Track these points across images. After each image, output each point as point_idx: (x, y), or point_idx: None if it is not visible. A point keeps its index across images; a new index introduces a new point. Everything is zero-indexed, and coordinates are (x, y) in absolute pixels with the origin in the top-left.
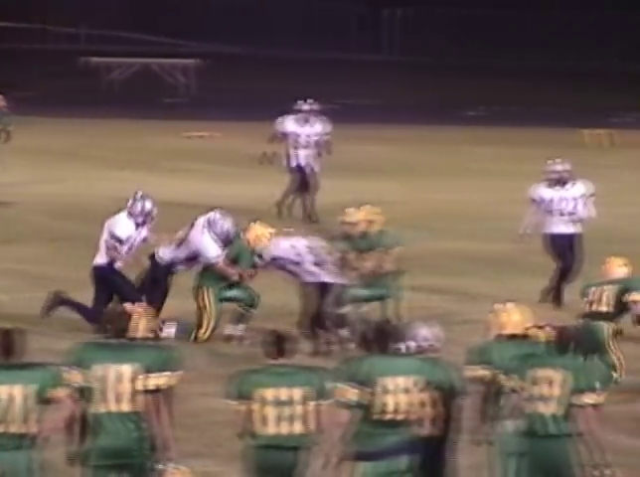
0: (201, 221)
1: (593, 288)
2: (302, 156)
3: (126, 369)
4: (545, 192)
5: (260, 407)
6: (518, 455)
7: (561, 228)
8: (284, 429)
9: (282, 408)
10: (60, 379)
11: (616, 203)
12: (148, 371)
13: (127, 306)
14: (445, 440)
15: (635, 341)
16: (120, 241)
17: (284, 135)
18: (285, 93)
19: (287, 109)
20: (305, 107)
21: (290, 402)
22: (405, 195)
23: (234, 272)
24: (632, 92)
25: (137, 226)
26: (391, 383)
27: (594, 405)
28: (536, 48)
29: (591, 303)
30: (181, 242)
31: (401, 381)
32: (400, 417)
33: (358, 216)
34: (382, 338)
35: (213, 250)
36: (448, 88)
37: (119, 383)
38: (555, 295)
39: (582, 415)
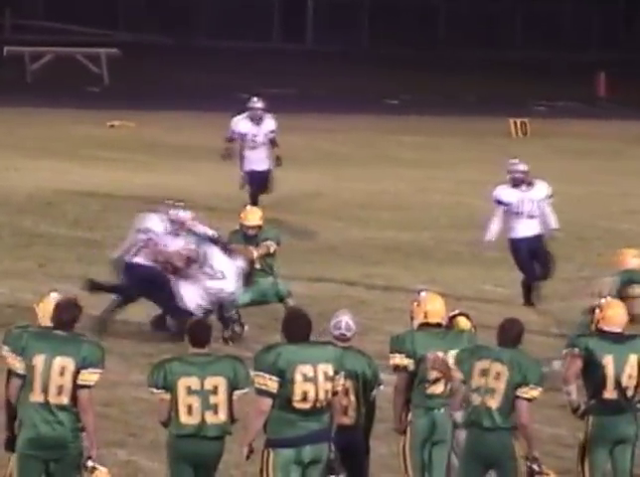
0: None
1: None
2: (257, 158)
3: (68, 362)
4: (510, 194)
5: (185, 396)
6: (438, 444)
7: (526, 231)
8: (209, 419)
9: (207, 397)
10: None
11: None
12: (87, 366)
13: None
14: (360, 428)
15: (547, 334)
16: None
17: (240, 136)
18: (203, 83)
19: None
20: (258, 105)
21: (215, 392)
22: (325, 185)
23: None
24: (543, 81)
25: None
26: (309, 370)
27: (529, 400)
28: (456, 37)
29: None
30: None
31: (320, 368)
32: (318, 405)
33: (255, 219)
34: (297, 326)
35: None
36: (367, 77)
37: (61, 375)
38: (526, 295)
39: (519, 409)
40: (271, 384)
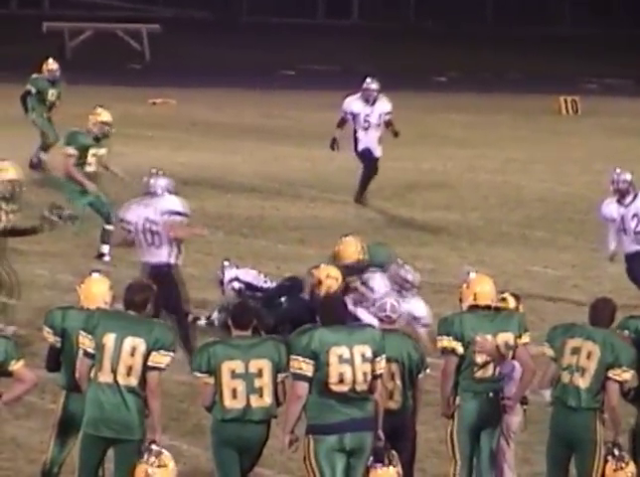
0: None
1: None
2: (370, 139)
3: (140, 342)
4: (615, 209)
5: (229, 380)
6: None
7: (633, 246)
8: (254, 402)
9: (251, 381)
10: (17, 352)
11: (585, 171)
12: (158, 347)
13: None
14: (406, 413)
15: None
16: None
17: (353, 116)
18: (245, 60)
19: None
20: (372, 86)
21: (259, 375)
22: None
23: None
24: (596, 59)
25: None
26: (345, 352)
27: (620, 382)
28: (504, 14)
29: None
30: None
31: (357, 350)
32: (357, 388)
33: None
34: (332, 309)
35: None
36: (413, 54)
37: (131, 355)
38: None
39: (609, 391)
40: (306, 366)
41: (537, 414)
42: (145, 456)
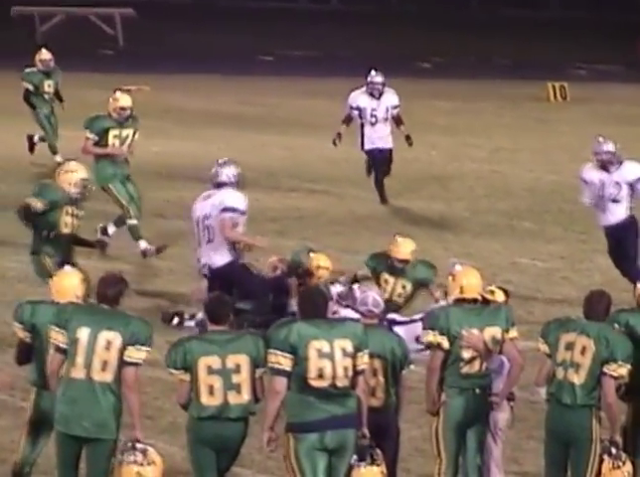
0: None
1: None
2: (378, 135)
3: (115, 336)
4: (597, 174)
5: (205, 376)
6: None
7: (609, 218)
8: (231, 399)
9: (229, 377)
10: None
11: (575, 159)
12: (134, 342)
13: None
14: (389, 410)
15: None
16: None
17: (359, 111)
18: (223, 45)
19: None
20: (377, 79)
21: (237, 370)
22: (352, 153)
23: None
24: (586, 43)
25: None
26: (325, 346)
27: (616, 378)
28: None
29: None
30: None
31: (337, 344)
32: (338, 384)
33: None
34: (312, 303)
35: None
36: (396, 39)
37: (106, 350)
38: None
39: (605, 387)
40: (284, 361)
41: (524, 411)
42: (131, 456)
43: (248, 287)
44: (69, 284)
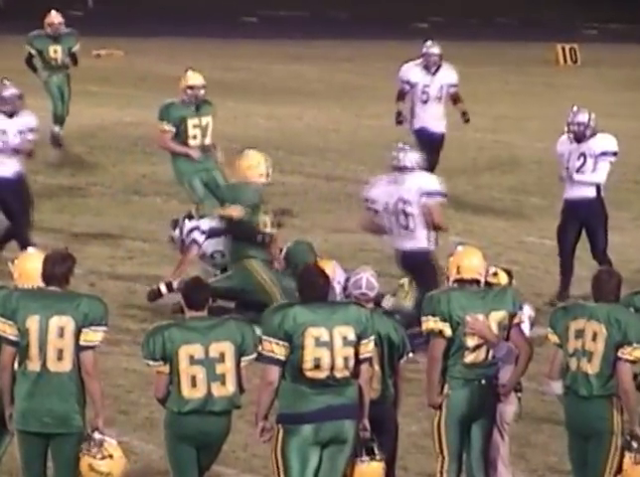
0: None
1: None
2: (430, 114)
3: (67, 321)
4: (567, 146)
5: (187, 367)
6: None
7: (571, 192)
8: (215, 391)
9: (212, 366)
10: None
11: None
12: (88, 323)
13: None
14: (387, 403)
15: None
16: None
17: (411, 86)
18: (202, 6)
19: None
20: (433, 50)
21: (221, 359)
22: (344, 123)
23: None
24: (598, 1)
25: None
26: (323, 333)
27: (633, 362)
28: None
29: None
30: None
31: (337, 331)
32: (337, 375)
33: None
34: (312, 284)
35: None
36: None
37: (60, 337)
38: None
39: (620, 373)
40: (278, 349)
41: (532, 403)
42: (86, 447)
43: (428, 282)
44: (32, 267)
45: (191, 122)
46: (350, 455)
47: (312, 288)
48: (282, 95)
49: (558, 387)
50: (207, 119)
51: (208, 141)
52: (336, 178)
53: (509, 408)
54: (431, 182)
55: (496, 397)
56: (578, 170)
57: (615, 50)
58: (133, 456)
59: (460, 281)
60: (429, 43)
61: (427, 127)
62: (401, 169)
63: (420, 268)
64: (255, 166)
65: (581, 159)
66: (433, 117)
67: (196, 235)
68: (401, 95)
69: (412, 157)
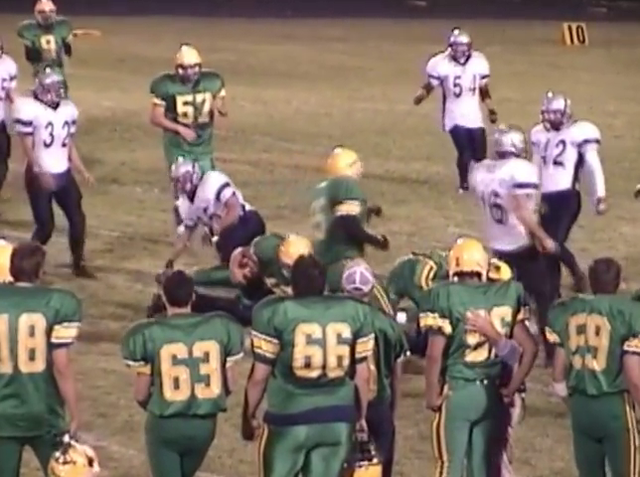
0: None
1: None
2: (463, 110)
3: (38, 318)
4: (544, 134)
5: (170, 367)
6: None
7: (549, 184)
8: (199, 393)
9: (196, 367)
10: None
11: (594, 112)
12: (61, 320)
13: None
14: (383, 405)
15: None
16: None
17: (440, 80)
18: None
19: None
20: (461, 39)
21: (206, 359)
22: (335, 106)
23: None
24: None
25: None
26: (316, 330)
27: (638, 354)
28: None
29: None
30: None
31: (331, 328)
32: (330, 374)
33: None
34: (306, 277)
35: None
36: None
37: (31, 336)
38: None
39: (628, 366)
40: (267, 346)
41: (537, 405)
42: (54, 449)
43: (534, 284)
44: (2, 261)
45: (181, 99)
46: (345, 458)
47: (307, 280)
48: (270, 78)
49: (562, 388)
50: (203, 96)
51: (203, 119)
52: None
53: (512, 411)
54: (525, 172)
55: (499, 399)
56: (557, 159)
57: (625, 29)
58: (112, 462)
59: (460, 274)
60: (457, 32)
61: (463, 124)
62: (502, 154)
63: (524, 269)
64: (354, 163)
65: (560, 147)
66: (468, 111)
67: (227, 192)
68: (428, 88)
69: (514, 138)
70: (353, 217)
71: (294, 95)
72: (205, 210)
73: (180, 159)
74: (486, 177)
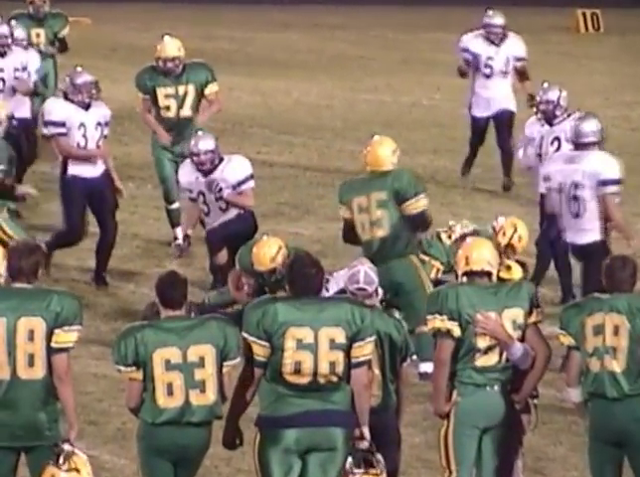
0: None
1: None
2: (494, 92)
3: (37, 322)
4: (537, 128)
5: (163, 373)
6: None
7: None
8: (194, 399)
9: (191, 372)
10: None
11: (610, 103)
12: (61, 323)
13: None
14: (389, 411)
15: None
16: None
17: (473, 58)
18: None
19: None
20: (495, 21)
21: (201, 364)
22: (337, 97)
23: None
24: None
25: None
26: (307, 335)
27: None
28: None
29: None
30: None
31: (324, 333)
32: (321, 381)
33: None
34: (302, 277)
35: None
36: None
37: (30, 341)
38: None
39: None
40: (257, 349)
41: (550, 412)
42: (54, 457)
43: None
44: None
45: (162, 92)
46: (343, 465)
47: (303, 280)
48: (268, 67)
49: (576, 394)
50: (185, 88)
51: (186, 113)
52: (330, 159)
53: (524, 417)
54: (609, 167)
55: (510, 405)
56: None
57: None
58: (104, 472)
59: (469, 274)
60: (491, 12)
61: (487, 115)
62: (581, 145)
63: (594, 264)
64: (396, 150)
65: (555, 144)
66: (498, 94)
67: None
68: (463, 71)
69: (592, 126)
70: (427, 213)
71: (294, 86)
72: (216, 186)
73: (200, 132)
74: (566, 168)
